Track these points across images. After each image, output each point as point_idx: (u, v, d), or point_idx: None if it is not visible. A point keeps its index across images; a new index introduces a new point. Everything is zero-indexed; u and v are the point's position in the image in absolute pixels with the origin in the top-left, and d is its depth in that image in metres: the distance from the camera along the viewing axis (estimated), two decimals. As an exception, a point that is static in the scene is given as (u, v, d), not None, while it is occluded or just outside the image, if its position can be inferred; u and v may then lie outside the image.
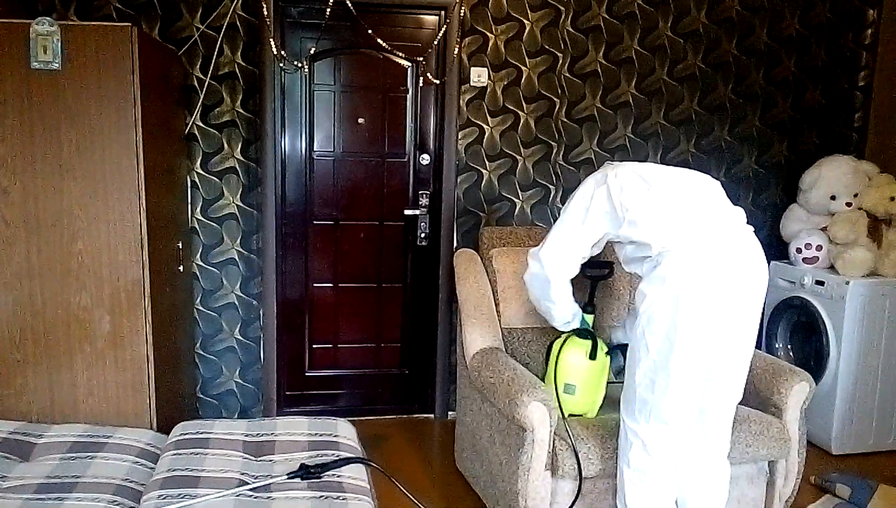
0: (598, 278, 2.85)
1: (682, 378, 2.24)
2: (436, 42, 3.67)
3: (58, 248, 2.59)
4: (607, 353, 2.69)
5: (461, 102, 3.71)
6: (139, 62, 2.55)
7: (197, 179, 3.55)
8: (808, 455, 2.81)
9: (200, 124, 3.50)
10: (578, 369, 2.64)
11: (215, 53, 3.44)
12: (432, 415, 3.97)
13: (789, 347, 3.84)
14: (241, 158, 3.58)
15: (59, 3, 3.30)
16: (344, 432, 2.47)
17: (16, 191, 2.54)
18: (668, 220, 2.30)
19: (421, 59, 3.69)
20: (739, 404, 2.45)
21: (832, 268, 3.63)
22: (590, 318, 2.78)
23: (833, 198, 3.67)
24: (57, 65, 2.49)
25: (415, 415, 4.00)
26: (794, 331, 3.80)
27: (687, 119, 3.94)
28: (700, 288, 2.21)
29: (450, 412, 3.89)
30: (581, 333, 2.68)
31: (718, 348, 2.29)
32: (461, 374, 3.17)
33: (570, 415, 2.61)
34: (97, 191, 2.58)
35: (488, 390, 2.70)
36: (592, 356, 2.62)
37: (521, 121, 3.77)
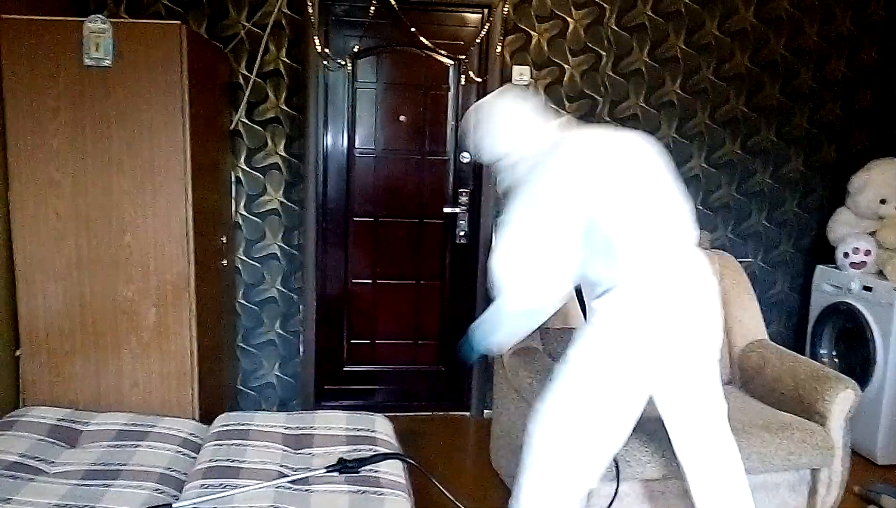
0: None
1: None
2: (478, 40, 3.67)
3: (106, 241, 2.65)
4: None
5: (502, 100, 3.69)
6: (187, 60, 2.60)
7: (241, 175, 3.60)
8: (852, 464, 2.74)
9: (245, 121, 3.56)
10: None
11: (261, 51, 3.50)
12: (468, 413, 3.98)
13: (834, 353, 3.75)
14: (284, 155, 3.62)
15: (111, 1, 3.38)
16: (381, 427, 2.49)
17: (67, 184, 2.61)
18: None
19: (463, 57, 3.69)
20: (783, 410, 2.39)
21: (880, 274, 3.54)
22: None
23: (883, 202, 3.58)
24: (109, 62, 2.55)
25: (451, 412, 4.01)
26: (840, 337, 3.72)
27: (732, 119, 3.86)
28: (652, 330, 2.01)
29: (486, 411, 3.89)
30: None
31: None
32: (498, 373, 3.16)
33: None
34: (145, 185, 2.64)
35: (525, 390, 2.70)
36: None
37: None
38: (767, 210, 3.97)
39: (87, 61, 2.55)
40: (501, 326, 2.13)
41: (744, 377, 3.11)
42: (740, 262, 3.48)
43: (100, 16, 2.55)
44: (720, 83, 3.82)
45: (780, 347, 3.11)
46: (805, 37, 3.86)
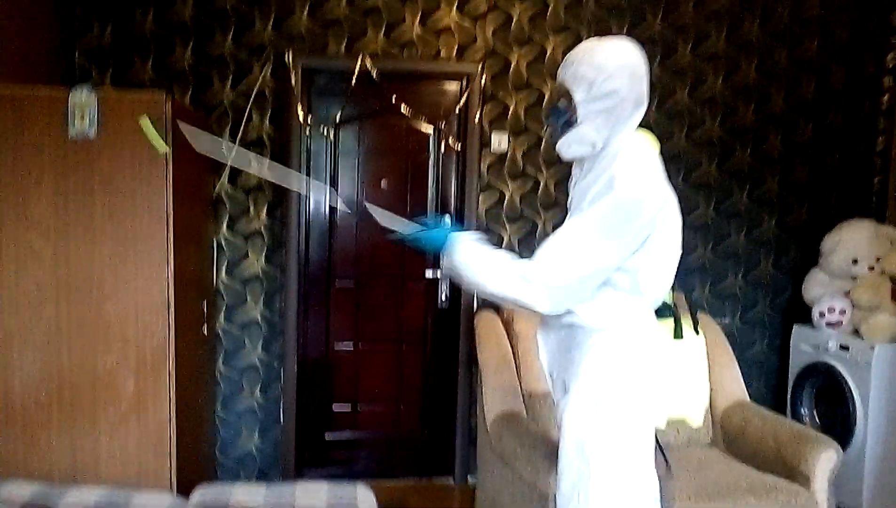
0: None
1: None
2: (457, 109, 3.76)
3: (86, 310, 2.63)
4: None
5: (482, 166, 3.77)
6: (171, 128, 2.64)
7: (223, 241, 3.62)
8: (839, 525, 2.74)
9: (228, 188, 3.59)
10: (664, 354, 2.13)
11: (244, 120, 3.56)
12: (451, 479, 3.92)
13: (815, 412, 3.77)
14: (266, 221, 3.65)
15: (95, 71, 3.44)
16: (363, 497, 2.43)
17: (48, 254, 2.60)
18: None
19: (443, 125, 3.77)
20: (767, 472, 2.38)
21: (856, 332, 3.59)
22: (669, 292, 2.20)
23: (855, 262, 3.66)
24: (93, 132, 2.58)
25: (434, 478, 3.94)
26: (820, 396, 3.74)
27: (705, 183, 3.97)
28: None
29: (469, 477, 3.84)
30: (659, 311, 2.14)
31: None
32: (481, 438, 3.14)
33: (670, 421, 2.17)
34: (127, 254, 2.64)
35: (509, 455, 2.68)
36: (678, 334, 2.13)
37: (541, 184, 3.82)
38: (743, 270, 4.05)
39: (72, 132, 2.57)
40: (495, 282, 1.87)
41: (726, 438, 3.11)
42: (717, 322, 3.53)
43: (86, 86, 2.59)
44: (694, 150, 3.93)
45: (761, 408, 3.13)
46: (773, 103, 4.00)
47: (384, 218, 2.16)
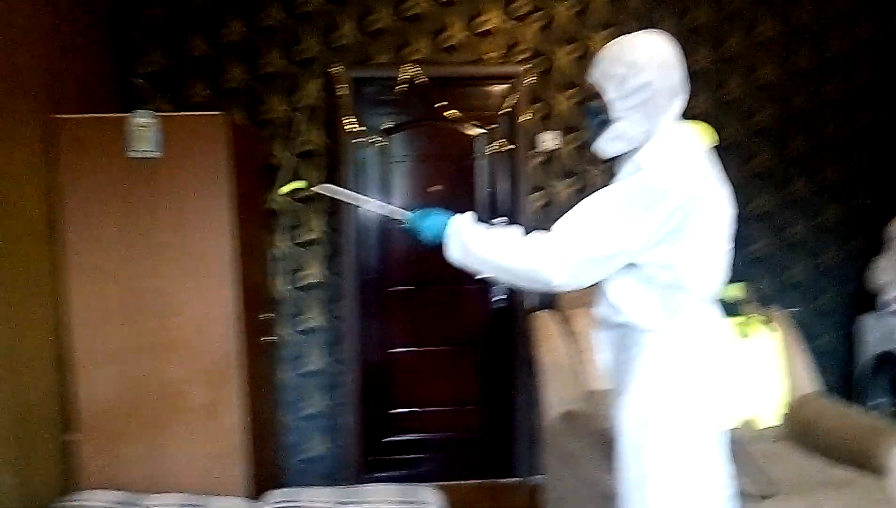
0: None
1: None
2: (504, 110, 3.77)
3: (156, 324, 2.73)
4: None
5: (531, 166, 3.77)
6: (229, 146, 2.72)
7: (281, 252, 3.70)
8: (918, 518, 2.65)
9: (285, 200, 3.68)
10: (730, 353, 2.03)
11: (298, 133, 3.64)
12: (517, 479, 3.92)
13: (889, 402, 3.65)
14: (323, 230, 3.72)
15: (153, 94, 3.57)
16: (432, 499, 2.47)
17: (118, 272, 2.71)
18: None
19: (491, 127, 3.79)
20: (841, 465, 2.33)
21: (929, 318, 3.47)
22: (735, 288, 2.10)
23: (923, 246, 3.54)
24: (155, 153, 2.67)
25: (499, 479, 3.95)
26: (893, 385, 3.62)
27: (765, 172, 3.88)
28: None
29: (534, 477, 3.84)
30: (726, 308, 2.06)
31: None
32: (544, 438, 3.14)
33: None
34: (192, 269, 2.73)
35: (573, 455, 2.67)
36: (745, 332, 2.06)
37: (591, 181, 3.80)
38: (809, 259, 3.95)
39: (135, 154, 2.68)
40: (508, 256, 1.83)
41: (798, 431, 3.04)
42: (787, 312, 3.44)
43: (147, 111, 2.69)
44: (751, 139, 3.85)
45: (833, 399, 3.04)
46: (830, 87, 3.89)
47: (346, 197, 2.21)
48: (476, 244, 1.85)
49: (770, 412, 2.05)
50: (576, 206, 1.81)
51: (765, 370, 2.03)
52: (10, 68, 2.42)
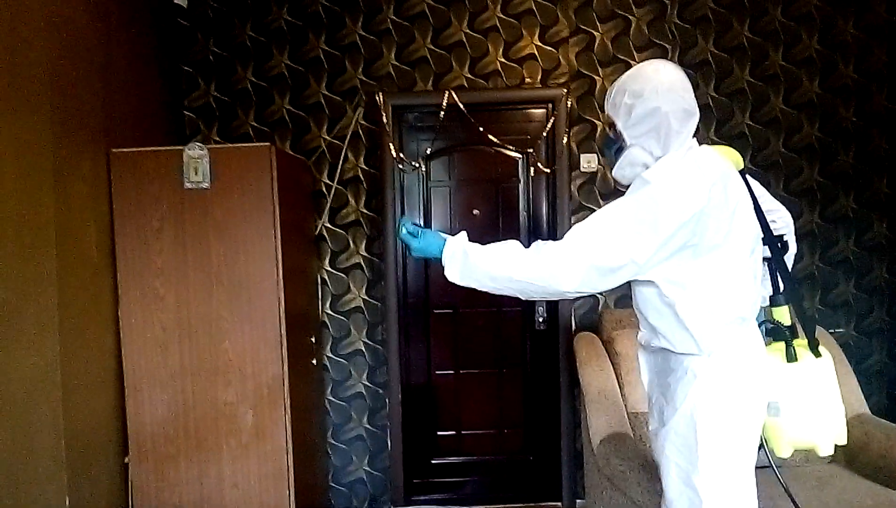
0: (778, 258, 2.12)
1: None
2: (544, 133, 3.81)
3: (207, 349, 2.82)
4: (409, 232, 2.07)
5: (572, 187, 3.80)
6: (276, 175, 2.82)
7: (326, 276, 3.79)
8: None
9: (328, 225, 3.77)
10: (775, 379, 1.98)
11: (341, 161, 3.74)
12: (560, 503, 3.90)
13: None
14: (365, 255, 3.80)
15: (203, 126, 3.71)
16: (475, 522, 2.49)
17: (171, 298, 2.82)
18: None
19: (531, 149, 3.83)
20: (893, 489, 2.29)
21: None
22: (780, 311, 2.05)
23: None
24: (206, 184, 2.79)
25: (543, 503, 3.94)
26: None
27: (808, 190, 3.83)
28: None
29: (578, 500, 3.82)
30: (769, 332, 2.05)
31: None
32: (588, 461, 3.13)
33: (796, 451, 2.03)
34: (241, 295, 2.82)
35: (618, 478, 2.66)
36: (791, 357, 1.97)
37: (634, 202, 3.79)
38: (855, 277, 3.87)
39: (188, 184, 2.80)
40: (517, 269, 1.88)
41: (847, 455, 2.98)
42: (831, 333, 3.39)
43: (198, 143, 2.81)
44: (792, 156, 3.82)
45: (883, 420, 2.98)
46: (873, 102, 3.83)
47: None
48: (481, 261, 1.91)
49: (831, 439, 1.99)
50: (588, 217, 1.88)
51: (821, 394, 1.96)
52: (71, 103, 2.55)
